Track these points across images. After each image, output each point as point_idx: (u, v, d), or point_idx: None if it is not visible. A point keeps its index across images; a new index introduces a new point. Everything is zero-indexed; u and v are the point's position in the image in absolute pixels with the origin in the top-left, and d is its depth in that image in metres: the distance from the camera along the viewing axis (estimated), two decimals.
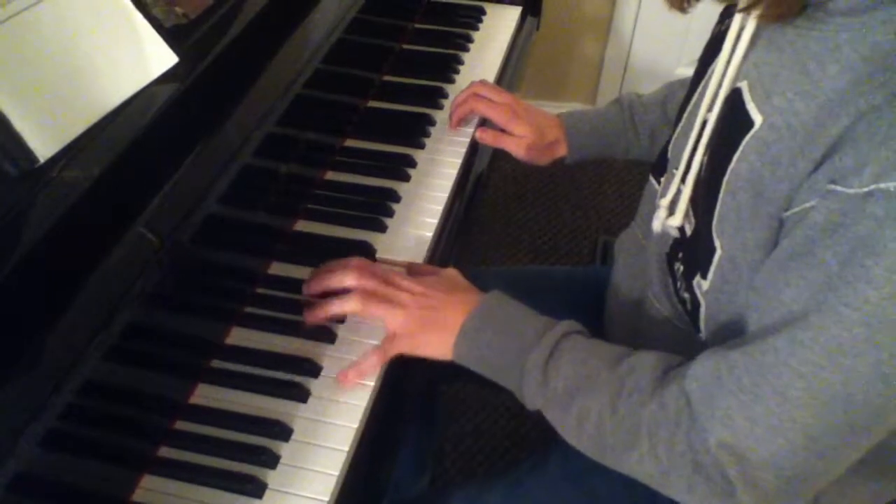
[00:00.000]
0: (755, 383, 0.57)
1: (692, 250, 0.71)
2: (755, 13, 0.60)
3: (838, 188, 0.53)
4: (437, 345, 0.75)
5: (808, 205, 0.55)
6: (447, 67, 1.18)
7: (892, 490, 0.75)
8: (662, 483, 0.64)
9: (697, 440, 0.60)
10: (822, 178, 0.54)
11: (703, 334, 0.71)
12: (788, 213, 0.58)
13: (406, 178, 0.99)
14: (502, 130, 1.04)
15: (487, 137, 1.05)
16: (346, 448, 0.70)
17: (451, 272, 0.82)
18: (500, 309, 0.75)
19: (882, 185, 0.50)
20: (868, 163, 0.51)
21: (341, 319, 0.81)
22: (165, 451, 0.70)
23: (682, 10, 0.67)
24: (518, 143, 1.03)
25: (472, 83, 1.08)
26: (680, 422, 0.61)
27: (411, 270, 0.86)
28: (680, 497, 0.64)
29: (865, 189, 0.51)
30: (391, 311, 0.75)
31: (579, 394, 0.67)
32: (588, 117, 1.06)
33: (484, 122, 1.08)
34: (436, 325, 0.75)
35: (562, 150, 1.05)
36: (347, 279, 0.77)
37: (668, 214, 0.74)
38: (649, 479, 0.65)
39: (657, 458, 0.62)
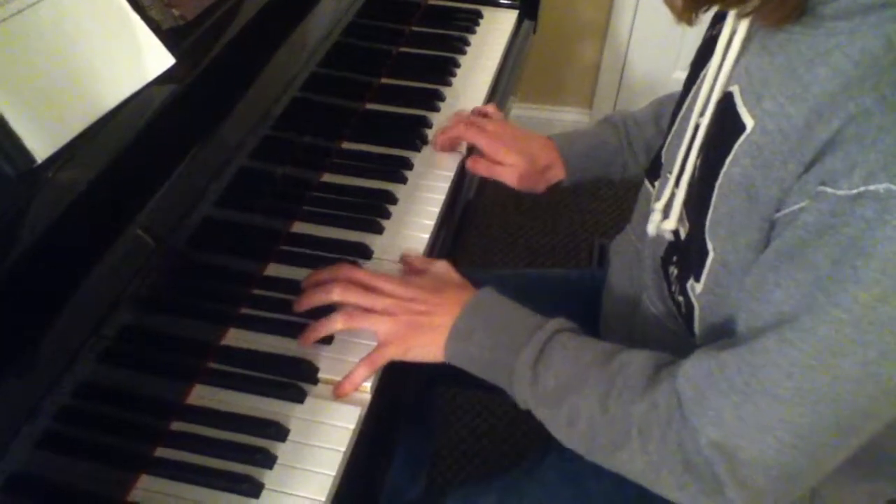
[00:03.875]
0: (745, 383, 0.57)
1: (686, 253, 0.71)
2: (756, 17, 0.60)
3: (828, 190, 0.53)
4: (428, 347, 0.75)
5: (798, 206, 0.56)
6: (444, 70, 1.19)
7: (888, 490, 0.76)
8: (653, 481, 0.64)
9: (688, 439, 0.61)
10: (813, 180, 0.55)
11: (697, 337, 0.71)
12: (779, 214, 0.58)
13: (403, 181, 0.99)
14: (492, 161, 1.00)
15: (479, 168, 1.00)
16: (343, 448, 0.70)
17: (443, 266, 0.82)
18: (491, 307, 0.75)
19: (871, 187, 0.50)
20: (858, 164, 0.51)
21: None
22: (162, 452, 0.70)
23: (690, 23, 0.67)
24: (510, 172, 0.98)
25: (459, 112, 1.03)
26: (671, 421, 0.62)
27: (404, 262, 0.86)
28: (670, 495, 0.64)
29: (855, 191, 0.51)
30: (378, 321, 0.76)
31: (569, 392, 0.67)
32: (582, 138, 1.03)
33: (471, 150, 1.04)
34: (425, 329, 0.75)
35: (558, 175, 1.01)
36: (332, 295, 0.78)
37: (663, 218, 0.74)
38: (640, 477, 0.65)
39: (648, 457, 0.63)
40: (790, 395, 0.55)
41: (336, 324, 0.76)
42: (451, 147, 1.04)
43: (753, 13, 0.59)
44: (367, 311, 0.76)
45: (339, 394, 0.74)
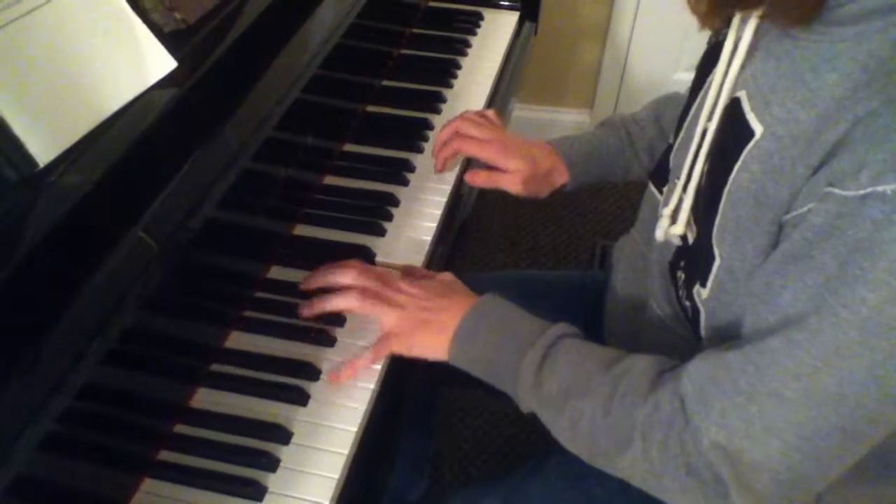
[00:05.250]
0: (751, 384, 0.57)
1: (693, 259, 0.71)
2: (766, 20, 0.60)
3: (836, 191, 0.53)
4: (432, 346, 0.75)
5: (806, 208, 0.55)
6: (445, 72, 1.19)
7: (893, 494, 0.75)
8: (656, 485, 0.64)
9: (690, 441, 0.60)
10: (821, 182, 0.54)
11: (704, 341, 0.71)
12: (787, 217, 0.58)
13: (405, 183, 0.99)
14: (492, 168, 0.97)
15: (479, 179, 0.97)
16: (346, 451, 0.70)
17: (448, 276, 0.83)
18: (495, 311, 0.75)
19: (879, 188, 0.50)
20: (865, 165, 0.51)
21: (340, 323, 0.81)
22: (166, 455, 0.70)
23: (713, 27, 0.66)
24: (513, 179, 0.95)
25: (455, 118, 1.01)
26: (673, 423, 0.62)
27: (408, 273, 0.86)
28: (673, 499, 0.64)
29: (862, 192, 0.51)
30: (387, 311, 0.76)
31: (573, 396, 0.67)
32: (582, 141, 1.01)
33: (469, 162, 1.02)
34: (431, 327, 0.75)
35: (560, 179, 1.00)
36: (346, 277, 0.78)
37: (671, 223, 0.74)
38: (642, 481, 0.65)
39: (650, 461, 0.62)
40: (796, 396, 0.55)
41: (349, 300, 0.77)
42: (450, 162, 1.02)
43: (765, 16, 0.59)
44: (379, 298, 0.77)
45: (337, 378, 0.75)
